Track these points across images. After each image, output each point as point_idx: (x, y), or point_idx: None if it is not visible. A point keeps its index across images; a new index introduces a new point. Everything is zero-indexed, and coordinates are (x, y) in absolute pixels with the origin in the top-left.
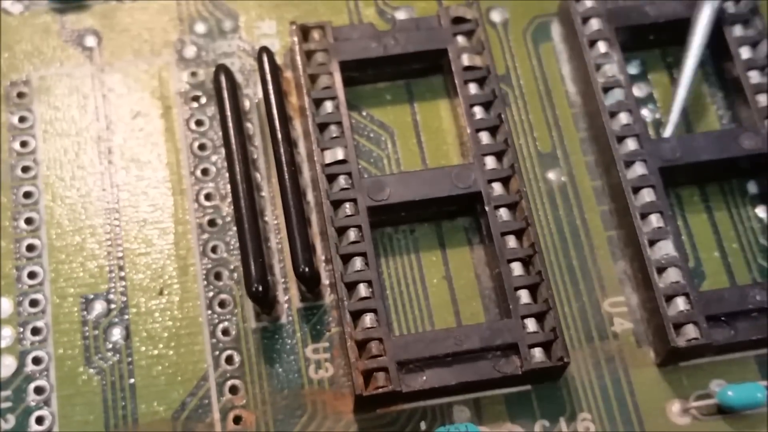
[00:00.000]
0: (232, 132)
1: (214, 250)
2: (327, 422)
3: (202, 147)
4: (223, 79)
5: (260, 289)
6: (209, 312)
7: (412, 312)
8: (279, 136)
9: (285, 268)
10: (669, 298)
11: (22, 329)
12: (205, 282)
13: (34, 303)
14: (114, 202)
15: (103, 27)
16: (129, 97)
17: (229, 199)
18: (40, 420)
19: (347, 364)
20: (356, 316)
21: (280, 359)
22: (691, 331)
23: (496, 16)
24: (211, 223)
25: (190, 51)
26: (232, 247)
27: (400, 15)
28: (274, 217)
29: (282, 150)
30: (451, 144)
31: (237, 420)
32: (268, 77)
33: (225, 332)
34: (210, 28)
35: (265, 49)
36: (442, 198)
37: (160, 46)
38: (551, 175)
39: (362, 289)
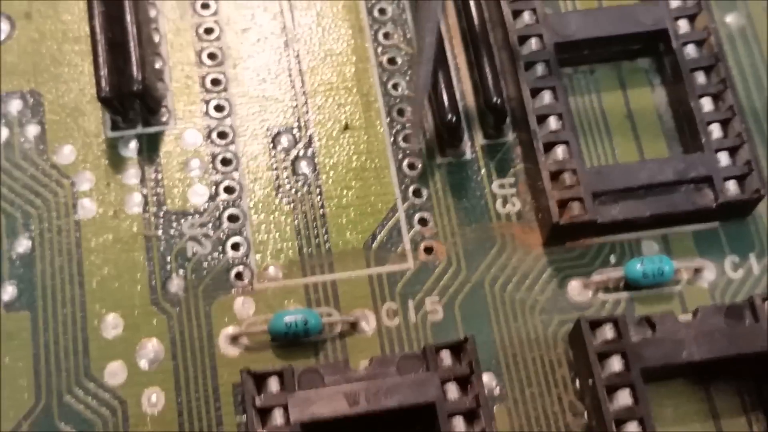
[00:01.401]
0: None
1: (395, 87)
2: (516, 254)
3: None
4: None
5: (454, 118)
6: (393, 146)
7: (595, 148)
8: None
9: (467, 107)
10: None
11: (211, 159)
12: (388, 118)
13: (222, 135)
14: (294, 40)
15: None
16: None
17: (408, 38)
18: (236, 246)
19: (534, 199)
20: (547, 148)
21: (466, 193)
22: None
23: None
24: (391, 61)
25: None
26: (413, 84)
27: None
28: (453, 56)
29: None
30: None
31: (428, 250)
32: None
33: (411, 166)
34: None
35: None
36: (627, 35)
37: None
38: (730, 19)
39: (552, 122)
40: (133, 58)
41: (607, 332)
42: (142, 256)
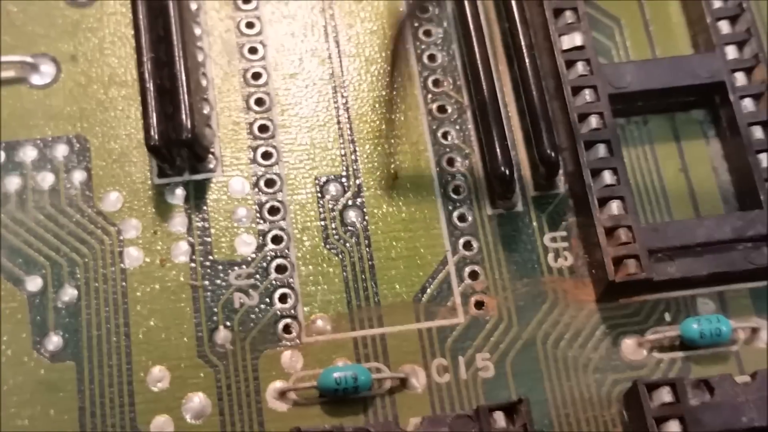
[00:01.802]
0: (469, 15)
1: (445, 136)
2: (569, 310)
3: (427, 33)
4: None
5: (507, 171)
6: (443, 197)
7: (649, 203)
8: (517, 20)
9: (518, 157)
10: None
11: (258, 208)
12: (438, 167)
13: (269, 183)
14: (342, 86)
15: None
16: None
17: (458, 85)
18: (283, 298)
19: (587, 253)
20: (602, 203)
21: (517, 246)
22: None
23: None
24: (441, 109)
25: None
26: (463, 134)
27: None
28: (504, 104)
29: (521, 34)
30: (680, 36)
31: (479, 305)
32: None
33: (461, 218)
34: None
35: None
36: (682, 87)
37: None
38: None
39: (607, 176)
40: (183, 106)
41: (665, 395)
42: (188, 307)
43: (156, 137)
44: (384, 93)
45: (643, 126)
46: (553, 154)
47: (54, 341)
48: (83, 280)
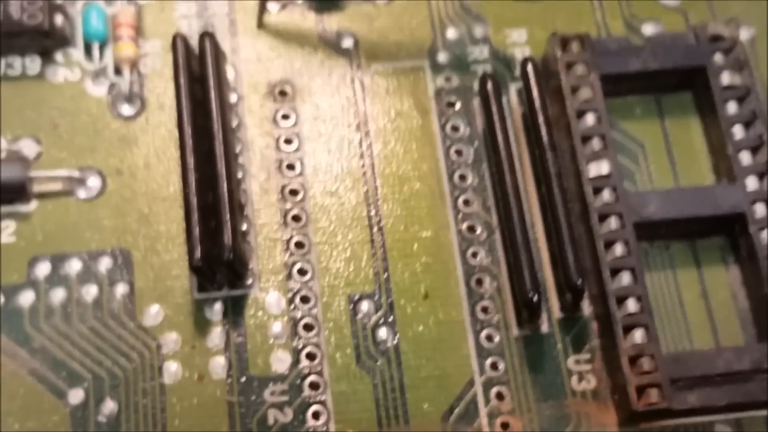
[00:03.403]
0: (500, 140)
1: (474, 256)
2: None
3: (459, 152)
4: (490, 87)
5: (536, 297)
6: (471, 317)
7: (670, 329)
8: (546, 146)
9: (544, 278)
10: None
11: (294, 324)
12: (467, 288)
13: (305, 299)
14: (375, 205)
15: (359, 30)
16: (387, 100)
17: (488, 205)
18: (316, 415)
19: (610, 377)
20: (626, 330)
21: (542, 368)
22: None
23: (743, 34)
24: (471, 229)
25: (442, 56)
26: (492, 254)
27: (648, 29)
28: (531, 223)
29: (550, 161)
30: (702, 161)
31: (504, 426)
32: (534, 87)
33: (488, 338)
34: (461, 34)
35: (530, 60)
36: (704, 217)
37: (414, 50)
38: None
39: (631, 304)
40: (226, 228)
41: None
42: (224, 424)
43: (199, 258)
44: (416, 213)
45: (665, 251)
46: (579, 282)
47: None
48: (124, 393)
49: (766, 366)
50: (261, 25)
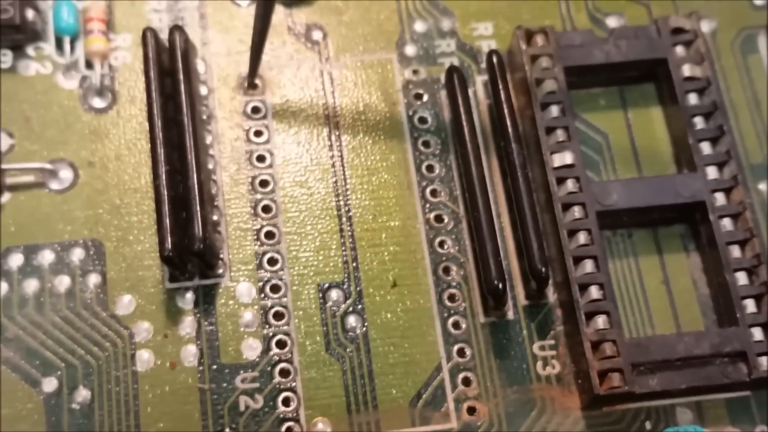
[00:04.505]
0: (467, 131)
1: (441, 245)
2: (556, 418)
3: (426, 144)
4: (456, 79)
5: (501, 285)
6: (439, 305)
7: (632, 315)
8: (512, 138)
9: (510, 266)
10: None
11: (264, 313)
12: (434, 276)
13: (275, 288)
14: (344, 195)
15: (328, 23)
16: (356, 92)
17: (455, 195)
18: (286, 401)
19: (573, 362)
20: (589, 317)
21: (508, 354)
22: None
23: (704, 27)
24: (438, 218)
25: (410, 49)
26: (459, 243)
27: (611, 22)
28: (497, 214)
29: (515, 152)
30: (664, 152)
31: (471, 411)
32: (499, 80)
33: (455, 325)
34: (428, 27)
35: (496, 52)
36: (665, 206)
37: (382, 43)
38: (762, 186)
39: (594, 291)
40: (196, 219)
41: None
42: (196, 410)
43: (170, 249)
44: (384, 203)
45: (628, 239)
46: (543, 270)
47: None
48: (97, 382)
49: (725, 350)
50: (252, 84)
